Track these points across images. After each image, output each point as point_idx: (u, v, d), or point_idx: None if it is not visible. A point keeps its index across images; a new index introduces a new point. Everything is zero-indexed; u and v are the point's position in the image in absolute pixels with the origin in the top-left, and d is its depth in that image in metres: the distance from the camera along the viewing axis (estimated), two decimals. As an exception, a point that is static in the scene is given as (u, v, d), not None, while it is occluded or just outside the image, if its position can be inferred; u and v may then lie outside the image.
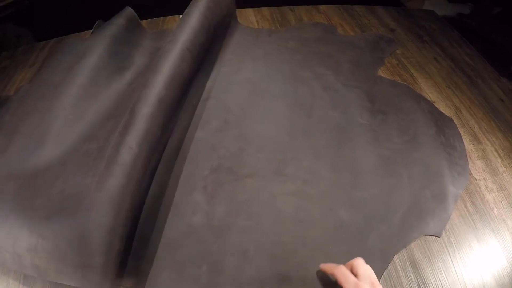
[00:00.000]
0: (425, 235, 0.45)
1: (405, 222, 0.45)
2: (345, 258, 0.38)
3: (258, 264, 0.42)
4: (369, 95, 0.63)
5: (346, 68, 0.68)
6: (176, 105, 0.55)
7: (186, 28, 0.60)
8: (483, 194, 0.50)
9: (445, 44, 0.77)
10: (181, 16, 0.84)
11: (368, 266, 0.36)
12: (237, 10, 0.81)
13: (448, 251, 0.44)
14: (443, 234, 0.45)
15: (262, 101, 0.61)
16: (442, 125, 0.58)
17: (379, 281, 0.38)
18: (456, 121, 0.59)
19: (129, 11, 0.76)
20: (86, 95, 0.61)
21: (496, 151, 0.55)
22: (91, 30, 0.77)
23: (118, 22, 0.73)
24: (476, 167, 0.53)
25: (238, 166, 0.52)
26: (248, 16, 0.83)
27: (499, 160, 0.54)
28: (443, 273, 0.42)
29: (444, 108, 0.62)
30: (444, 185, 0.49)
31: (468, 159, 0.54)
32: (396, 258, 0.43)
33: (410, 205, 0.47)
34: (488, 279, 0.42)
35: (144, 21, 0.82)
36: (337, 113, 0.59)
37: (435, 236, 0.45)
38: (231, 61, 0.69)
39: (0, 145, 0.55)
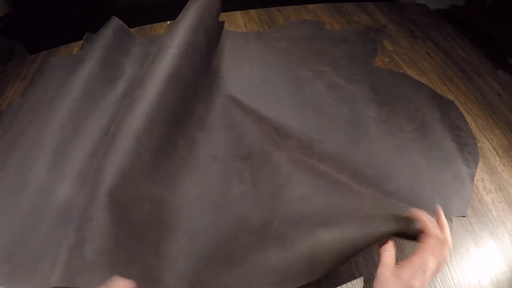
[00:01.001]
0: (452, 217, 0.45)
1: (431, 209, 0.43)
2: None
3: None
4: (372, 87, 0.62)
5: (343, 63, 0.68)
6: (178, 107, 0.54)
7: (180, 31, 0.59)
8: (481, 195, 0.48)
9: (438, 39, 0.75)
10: (169, 22, 0.84)
11: None
12: (224, 13, 0.80)
13: (444, 257, 0.42)
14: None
15: (269, 107, 0.58)
16: (445, 108, 0.59)
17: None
18: (451, 119, 0.57)
19: (115, 21, 0.75)
20: (81, 108, 0.60)
21: (494, 148, 0.53)
22: (81, 43, 0.76)
23: (106, 33, 0.72)
24: (473, 166, 0.51)
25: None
26: (236, 19, 0.81)
27: (498, 158, 0.52)
28: (438, 279, 0.40)
29: (438, 105, 0.60)
30: (459, 166, 0.50)
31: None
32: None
33: (433, 191, 0.47)
34: (487, 285, 0.40)
35: (132, 29, 0.81)
36: (346, 108, 0.59)
37: (462, 216, 0.45)
38: (228, 68, 0.66)
39: None
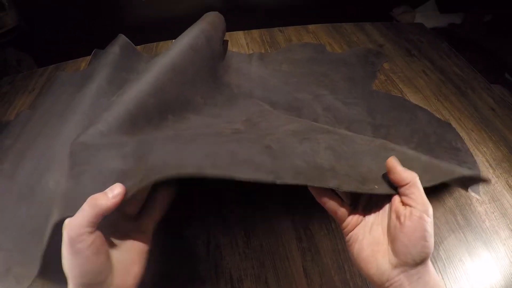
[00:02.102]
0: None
1: None
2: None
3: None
4: (369, 111, 0.64)
5: (342, 86, 0.69)
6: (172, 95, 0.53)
7: (182, 37, 0.62)
8: (474, 206, 0.49)
9: (434, 57, 0.77)
10: (174, 41, 0.87)
11: None
12: (227, 33, 0.84)
13: (438, 266, 0.43)
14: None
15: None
16: (442, 131, 0.60)
17: None
18: (445, 133, 0.59)
19: (122, 38, 0.79)
20: (89, 121, 0.62)
21: (487, 161, 0.55)
22: (89, 59, 0.80)
23: (113, 50, 0.75)
24: (467, 178, 0.53)
25: None
26: (238, 39, 0.85)
27: (491, 171, 0.53)
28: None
29: (433, 120, 0.62)
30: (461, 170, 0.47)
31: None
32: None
33: None
34: (481, 294, 0.41)
35: (138, 47, 0.84)
36: (341, 130, 0.58)
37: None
38: (231, 79, 0.69)
39: (7, 170, 0.57)
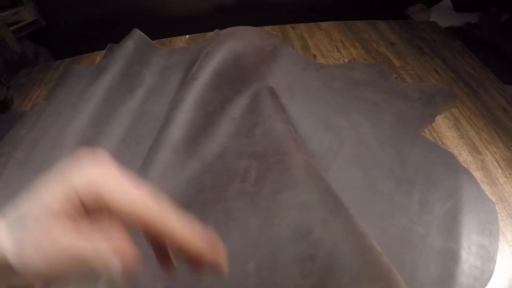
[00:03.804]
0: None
1: None
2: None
3: None
4: (402, 159, 0.54)
5: (387, 122, 0.61)
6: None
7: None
8: (481, 206, 0.49)
9: (446, 55, 0.77)
10: (187, 36, 0.89)
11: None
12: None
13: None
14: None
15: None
16: (482, 215, 0.47)
17: None
18: (454, 133, 0.59)
19: (136, 32, 0.81)
20: (102, 114, 0.65)
21: (496, 161, 0.54)
22: (104, 53, 0.82)
23: (127, 44, 0.77)
24: (475, 178, 0.52)
25: None
26: (250, 35, 0.86)
27: (500, 171, 0.53)
28: None
29: (442, 119, 0.61)
30: None
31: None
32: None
33: None
34: (485, 295, 0.41)
35: (153, 41, 0.86)
36: (359, 173, 0.53)
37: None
38: (268, 93, 0.64)
39: (20, 158, 0.60)
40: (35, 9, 1.18)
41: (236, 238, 0.43)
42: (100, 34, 0.89)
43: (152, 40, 0.86)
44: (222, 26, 0.80)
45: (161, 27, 0.92)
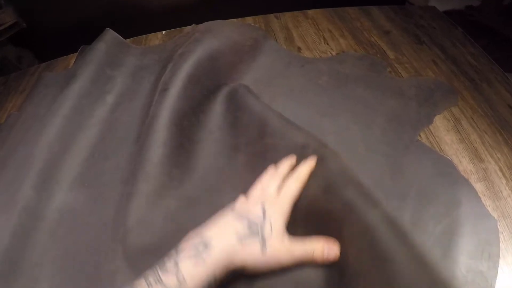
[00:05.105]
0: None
1: None
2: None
3: None
4: (394, 169, 0.48)
5: (378, 124, 0.54)
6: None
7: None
8: (481, 224, 0.43)
9: (446, 44, 0.69)
10: (164, 32, 0.82)
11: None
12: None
13: None
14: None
15: None
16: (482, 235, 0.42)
17: None
18: (454, 136, 0.52)
19: (109, 32, 0.75)
20: (69, 126, 0.60)
21: (500, 170, 0.48)
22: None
23: (98, 46, 0.72)
24: (475, 191, 0.46)
25: None
26: (232, 28, 0.79)
27: (504, 181, 0.47)
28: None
29: (441, 120, 0.55)
30: None
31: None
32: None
33: None
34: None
35: (127, 40, 0.80)
36: None
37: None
38: (247, 93, 0.57)
39: None
40: (14, 12, 1.13)
41: None
42: (84, 33, 0.83)
43: (129, 38, 0.80)
44: (203, 18, 0.73)
45: (143, 23, 0.86)
